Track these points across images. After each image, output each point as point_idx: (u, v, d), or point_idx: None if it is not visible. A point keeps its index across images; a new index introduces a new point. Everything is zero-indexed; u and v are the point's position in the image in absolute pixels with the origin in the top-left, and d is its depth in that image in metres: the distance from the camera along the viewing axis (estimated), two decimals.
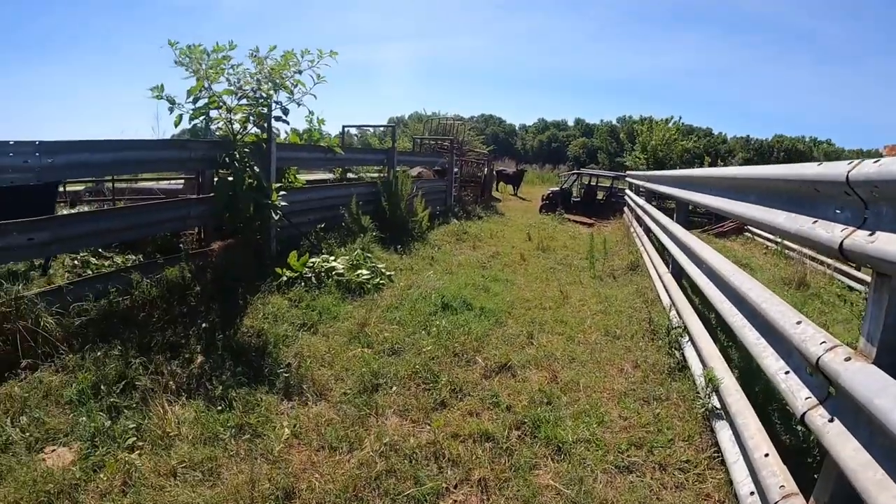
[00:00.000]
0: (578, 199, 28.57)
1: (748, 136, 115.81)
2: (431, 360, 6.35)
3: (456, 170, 22.31)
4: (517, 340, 7.27)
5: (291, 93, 9.74)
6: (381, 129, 23.15)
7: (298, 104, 9.88)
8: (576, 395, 5.75)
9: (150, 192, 15.06)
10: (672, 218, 10.30)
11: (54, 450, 4.58)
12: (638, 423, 5.18)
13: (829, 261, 13.92)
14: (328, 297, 8.26)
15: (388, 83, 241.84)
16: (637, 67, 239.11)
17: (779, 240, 17.65)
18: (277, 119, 9.85)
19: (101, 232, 7.85)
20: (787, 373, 3.42)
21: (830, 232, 3.04)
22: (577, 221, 23.59)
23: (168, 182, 16.41)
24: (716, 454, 4.57)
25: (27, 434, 4.70)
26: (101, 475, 4.19)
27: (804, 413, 3.03)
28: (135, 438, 4.66)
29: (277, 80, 9.52)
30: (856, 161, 2.85)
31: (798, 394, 3.18)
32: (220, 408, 5.16)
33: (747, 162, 65.17)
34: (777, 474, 3.35)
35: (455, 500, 4.06)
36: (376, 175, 15.65)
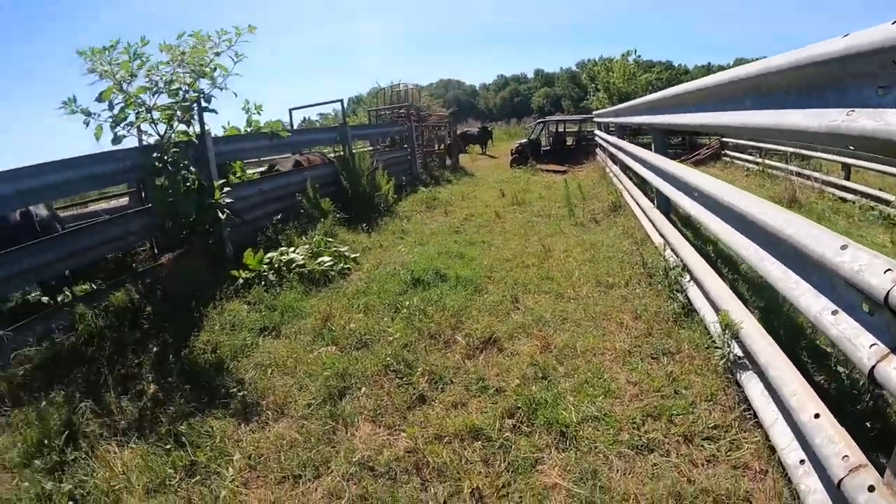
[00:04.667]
0: (548, 147, 27.83)
1: (709, 63, 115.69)
2: (404, 348, 5.63)
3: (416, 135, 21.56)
4: (500, 307, 6.54)
5: (213, 78, 8.93)
6: (331, 105, 22.42)
7: (222, 89, 9.04)
8: (574, 362, 5.03)
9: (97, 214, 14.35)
10: (650, 150, 9.58)
11: None
12: (651, 386, 4.46)
13: (818, 174, 13.27)
14: (290, 293, 7.57)
15: (350, 63, 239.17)
16: (590, 8, 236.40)
17: (759, 159, 17.06)
18: (205, 109, 9.06)
19: (28, 270, 7.19)
20: (834, 313, 2.69)
21: (881, 120, 2.27)
22: (549, 171, 22.86)
23: (118, 200, 15.67)
24: (746, 412, 3.90)
25: None
26: None
27: (874, 366, 2.30)
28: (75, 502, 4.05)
29: (195, 68, 8.75)
30: None
31: (858, 341, 2.44)
32: (168, 446, 4.51)
33: None
34: (836, 441, 2.63)
35: None
36: (333, 155, 14.89)
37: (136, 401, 5.27)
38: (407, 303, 6.74)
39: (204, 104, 8.99)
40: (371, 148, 17.97)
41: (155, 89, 8.53)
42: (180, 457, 4.33)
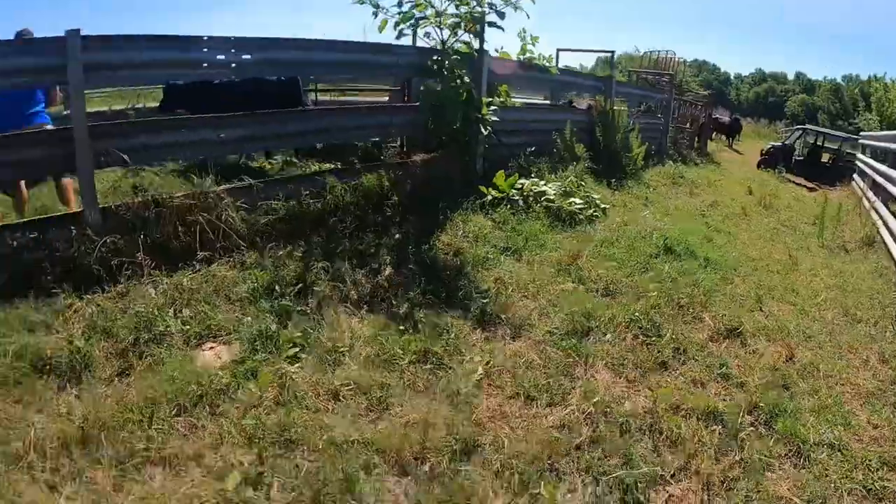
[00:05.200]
0: (801, 158, 26.21)
1: None
2: (653, 309, 5.58)
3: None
4: (745, 303, 6.34)
5: None
6: (599, 55, 22.56)
7: (515, 8, 8.96)
8: (815, 382, 4.77)
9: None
10: None
11: (213, 347, 4.51)
12: (892, 435, 4.16)
13: None
14: (535, 223, 7.69)
15: (602, 18, 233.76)
16: (876, 19, 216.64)
17: None
18: (491, 24, 9.06)
19: (297, 133, 7.92)
20: None
21: None
22: (797, 183, 21.78)
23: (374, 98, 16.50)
24: None
25: (187, 327, 4.64)
26: (252, 385, 3.96)
27: None
28: (298, 349, 4.43)
29: None
30: None
31: None
32: (402, 327, 4.75)
33: None
34: None
35: (671, 496, 3.33)
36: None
37: (370, 277, 5.55)
38: (659, 267, 6.75)
39: (493, 20, 8.97)
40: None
41: None
42: (413, 340, 4.54)
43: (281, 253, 5.75)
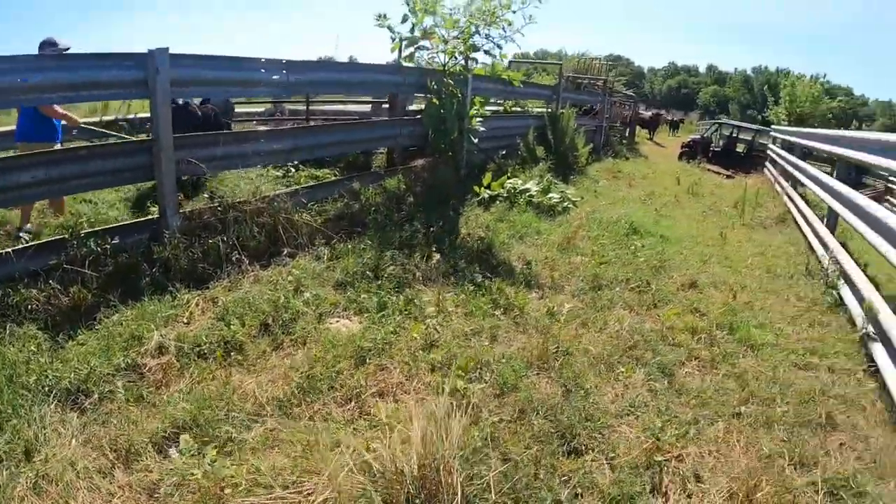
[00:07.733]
0: (718, 149, 28.60)
1: (891, 100, 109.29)
2: (638, 271, 7.64)
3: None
4: (695, 266, 8.38)
5: (504, 30, 10.93)
6: (549, 65, 24.09)
7: (505, 42, 11.13)
8: (755, 312, 6.87)
9: (343, 113, 16.61)
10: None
11: (338, 321, 5.70)
12: (808, 337, 6.29)
13: None
14: (524, 215, 9.56)
15: None
16: (779, 11, 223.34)
17: None
18: (487, 53, 11.13)
19: (330, 143, 9.44)
20: None
21: None
22: (716, 172, 23.98)
23: (355, 105, 17.88)
24: (871, 366, 5.59)
25: (312, 308, 5.78)
26: (402, 336, 5.38)
27: None
28: (433, 308, 5.92)
29: (488, 18, 10.67)
30: None
31: None
32: (481, 293, 6.46)
33: (887, 129, 61.05)
34: None
35: (687, 372, 5.34)
36: (541, 110, 16.93)
37: (425, 262, 7.00)
38: (634, 244, 8.82)
39: (489, 47, 11.07)
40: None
41: (452, 28, 10.58)
42: (491, 301, 6.28)
43: (350, 246, 7.19)
